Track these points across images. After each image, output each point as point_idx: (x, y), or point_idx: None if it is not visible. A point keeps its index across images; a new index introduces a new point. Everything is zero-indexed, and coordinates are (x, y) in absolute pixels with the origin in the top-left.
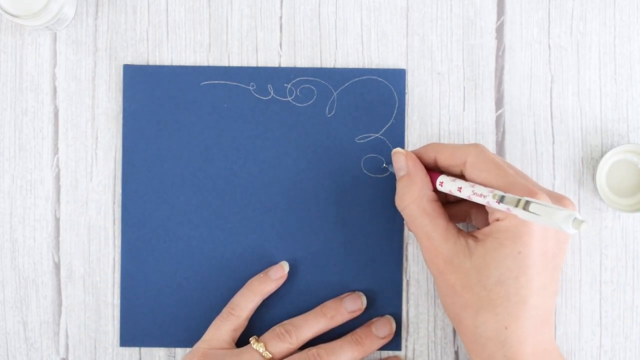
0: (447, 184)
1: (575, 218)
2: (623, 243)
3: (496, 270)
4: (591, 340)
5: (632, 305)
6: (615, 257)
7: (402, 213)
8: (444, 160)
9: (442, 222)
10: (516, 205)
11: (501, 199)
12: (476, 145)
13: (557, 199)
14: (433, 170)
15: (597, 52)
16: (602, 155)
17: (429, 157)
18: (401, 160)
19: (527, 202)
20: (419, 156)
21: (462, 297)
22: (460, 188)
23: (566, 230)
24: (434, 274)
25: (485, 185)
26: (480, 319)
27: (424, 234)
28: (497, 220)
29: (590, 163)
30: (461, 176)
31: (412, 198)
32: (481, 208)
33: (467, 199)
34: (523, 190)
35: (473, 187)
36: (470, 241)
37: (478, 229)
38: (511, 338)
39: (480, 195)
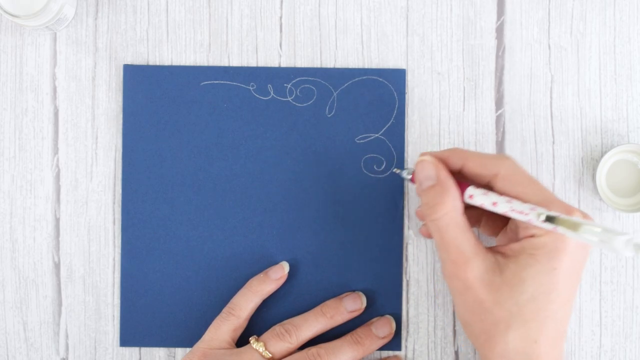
0: (478, 197)
1: (635, 243)
2: None
3: (530, 286)
4: (591, 340)
5: (632, 305)
6: (615, 257)
7: (430, 224)
8: (472, 169)
9: (472, 237)
10: (568, 227)
11: (549, 219)
12: (508, 158)
13: (570, 212)
14: (456, 178)
15: (597, 52)
16: (602, 155)
17: (455, 163)
18: (430, 169)
19: (581, 225)
20: (442, 161)
21: (492, 313)
22: (496, 203)
23: (625, 254)
24: (458, 289)
25: (520, 200)
26: (511, 334)
27: (454, 248)
28: (532, 236)
29: (590, 163)
30: (485, 186)
31: (446, 210)
32: (492, 215)
33: (503, 214)
34: (560, 208)
35: (510, 202)
36: (499, 257)
37: (488, 237)
38: (539, 351)
39: (521, 212)
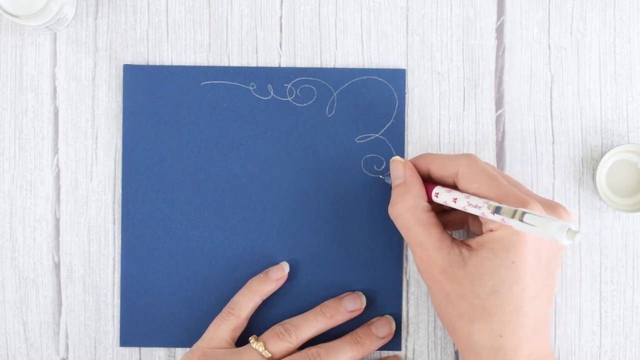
0: (442, 195)
1: (569, 229)
2: (623, 243)
3: (490, 280)
4: (591, 340)
5: (632, 305)
6: (615, 257)
7: (395, 221)
8: (436, 171)
9: (436, 232)
10: (511, 217)
11: (496, 210)
12: (468, 156)
13: (552, 208)
14: (428, 181)
15: (597, 52)
16: (602, 155)
17: (423, 168)
18: (399, 169)
19: (522, 213)
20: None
21: (457, 306)
22: (456, 199)
23: (560, 241)
24: (427, 283)
25: (478, 196)
26: (474, 327)
27: (417, 243)
28: (491, 230)
29: (590, 163)
30: (455, 187)
31: (406, 207)
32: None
33: (462, 210)
34: (516, 200)
35: (468, 198)
36: (464, 250)
37: (476, 234)
38: (505, 346)
39: (475, 206)
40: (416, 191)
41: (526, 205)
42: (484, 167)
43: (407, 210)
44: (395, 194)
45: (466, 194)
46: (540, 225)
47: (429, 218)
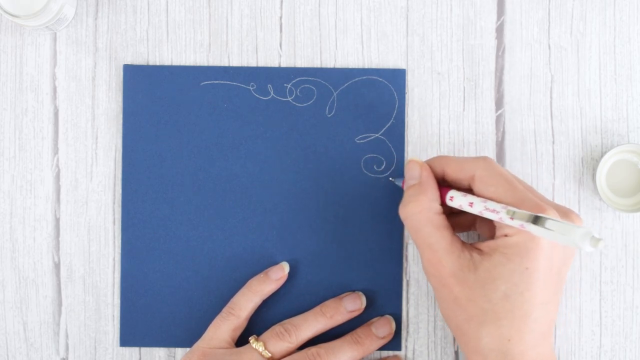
0: (457, 199)
1: (592, 236)
2: (623, 243)
3: (503, 284)
4: (591, 340)
5: (632, 305)
6: (615, 257)
7: (405, 221)
8: (451, 174)
9: (448, 235)
10: (532, 222)
11: (514, 215)
12: (484, 159)
13: (565, 214)
14: (441, 184)
15: (597, 52)
16: (602, 155)
17: (437, 170)
18: (415, 170)
19: (543, 219)
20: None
21: (466, 310)
22: (472, 203)
23: (584, 248)
24: (435, 286)
25: (494, 200)
26: (484, 331)
27: (427, 245)
28: (506, 235)
29: (590, 163)
30: (469, 190)
31: (420, 208)
32: (487, 219)
33: (479, 214)
34: (532, 206)
35: (485, 202)
36: (475, 254)
37: (486, 238)
38: (513, 350)
39: (493, 211)
40: (431, 193)
41: (542, 211)
42: (501, 171)
43: (420, 211)
44: (408, 194)
45: (482, 199)
46: (562, 231)
47: (442, 220)
